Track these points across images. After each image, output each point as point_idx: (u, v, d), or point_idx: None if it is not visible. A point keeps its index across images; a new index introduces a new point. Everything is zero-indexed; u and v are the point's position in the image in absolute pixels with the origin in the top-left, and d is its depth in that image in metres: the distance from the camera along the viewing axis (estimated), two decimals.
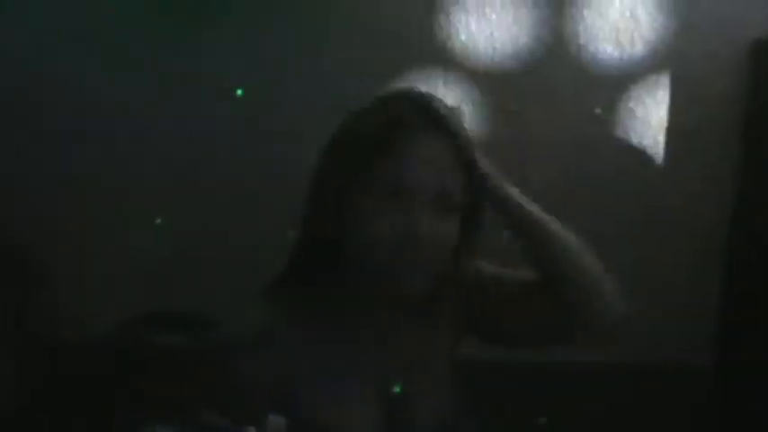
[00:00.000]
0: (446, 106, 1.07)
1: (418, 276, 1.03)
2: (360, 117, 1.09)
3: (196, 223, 2.20)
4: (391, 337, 1.13)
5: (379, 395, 1.10)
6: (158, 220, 2.13)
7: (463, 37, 2.22)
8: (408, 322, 1.14)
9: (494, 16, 2.23)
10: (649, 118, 2.29)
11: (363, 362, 1.10)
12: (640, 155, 2.31)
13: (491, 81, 2.23)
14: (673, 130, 2.29)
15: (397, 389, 1.09)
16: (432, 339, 1.18)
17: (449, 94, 2.20)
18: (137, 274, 2.19)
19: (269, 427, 0.86)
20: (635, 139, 2.30)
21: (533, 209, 1.14)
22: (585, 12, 2.24)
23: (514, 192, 1.15)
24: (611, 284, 1.14)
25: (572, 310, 1.12)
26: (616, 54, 2.26)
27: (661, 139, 2.30)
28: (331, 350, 1.08)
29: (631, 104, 2.28)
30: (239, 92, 2.12)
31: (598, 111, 2.26)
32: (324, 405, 1.04)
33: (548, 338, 1.18)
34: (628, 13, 2.25)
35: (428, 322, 1.17)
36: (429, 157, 1.03)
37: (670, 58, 2.27)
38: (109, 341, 1.97)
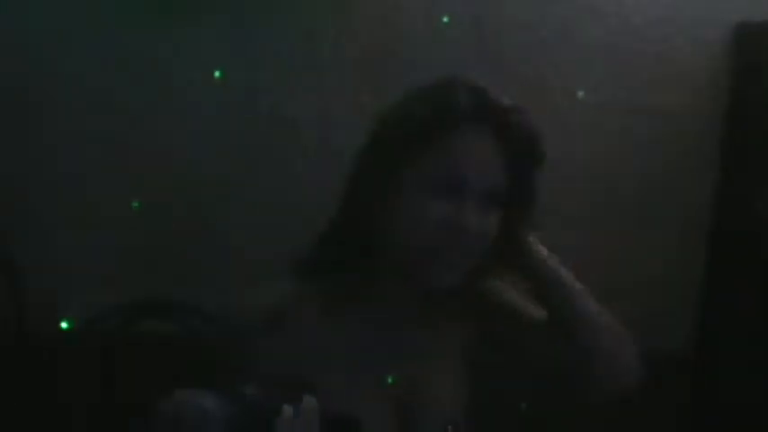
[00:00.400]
0: (504, 98, 1.04)
1: (453, 269, 1.02)
2: (414, 103, 1.05)
3: (181, 212, 2.23)
4: (406, 333, 1.11)
5: (390, 389, 1.09)
6: (135, 204, 2.17)
7: (446, 19, 2.22)
8: (425, 318, 1.13)
9: None
10: (633, 100, 2.29)
11: (376, 355, 1.08)
12: (624, 138, 2.31)
13: (474, 63, 2.22)
14: (657, 113, 2.29)
15: (390, 380, 1.08)
16: (446, 338, 1.16)
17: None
18: (125, 263, 2.22)
19: (303, 406, 0.85)
20: (619, 122, 2.30)
21: (567, 280, 1.12)
22: None
23: (552, 262, 1.12)
24: (632, 350, 1.13)
25: (589, 375, 1.11)
26: (600, 37, 2.26)
27: (645, 121, 2.30)
28: (346, 340, 1.06)
29: (615, 87, 2.29)
30: (217, 74, 2.14)
31: (581, 94, 2.27)
32: (333, 395, 1.02)
33: (557, 381, 1.17)
34: None
35: (444, 322, 1.16)
36: (483, 152, 1.01)
37: (655, 40, 2.27)
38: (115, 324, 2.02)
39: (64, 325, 2.12)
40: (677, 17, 2.27)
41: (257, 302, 1.07)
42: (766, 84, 2.22)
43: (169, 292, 2.10)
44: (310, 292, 1.07)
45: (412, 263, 1.02)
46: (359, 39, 2.21)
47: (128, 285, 2.17)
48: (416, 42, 2.21)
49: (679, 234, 2.36)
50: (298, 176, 2.23)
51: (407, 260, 1.03)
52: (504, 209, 1.05)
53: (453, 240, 1.00)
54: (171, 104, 2.20)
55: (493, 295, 1.17)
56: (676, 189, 2.35)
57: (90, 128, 2.21)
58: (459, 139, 1.00)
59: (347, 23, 2.21)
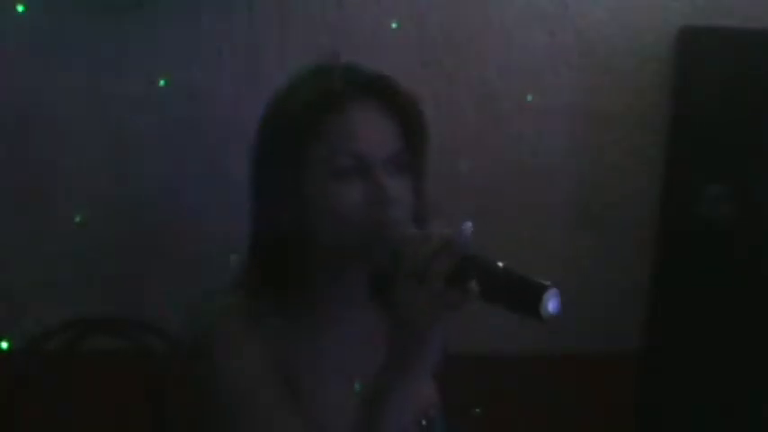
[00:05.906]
0: (380, 74, 1.06)
1: (387, 243, 0.98)
2: (294, 95, 1.05)
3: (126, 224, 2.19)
4: (365, 334, 1.10)
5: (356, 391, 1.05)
6: (78, 218, 2.10)
7: (394, 25, 2.21)
8: (379, 316, 1.10)
9: None
10: (578, 104, 2.31)
11: (340, 361, 1.07)
12: (570, 141, 2.33)
13: (419, 66, 2.23)
14: (601, 116, 2.32)
15: (358, 386, 1.05)
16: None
17: None
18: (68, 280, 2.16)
19: None
20: (564, 125, 2.32)
21: None
22: None
23: None
24: None
25: None
26: (545, 40, 2.28)
27: (590, 124, 2.33)
28: (302, 345, 1.05)
29: (561, 90, 2.30)
30: (162, 82, 2.11)
31: (530, 98, 2.28)
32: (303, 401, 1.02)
33: None
34: None
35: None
36: (376, 124, 1.03)
37: (599, 43, 2.29)
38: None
39: (4, 345, 2.05)
40: (621, 21, 2.30)
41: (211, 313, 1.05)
42: (708, 87, 2.27)
43: (117, 308, 2.07)
44: (261, 298, 1.05)
45: (347, 246, 1.01)
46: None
47: (72, 302, 2.11)
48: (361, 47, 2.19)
49: (625, 236, 2.39)
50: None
51: (341, 245, 1.02)
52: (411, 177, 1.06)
53: (379, 209, 1.00)
54: (117, 113, 2.15)
55: None
56: (621, 191, 2.37)
57: (31, 140, 2.15)
58: (348, 118, 1.02)
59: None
